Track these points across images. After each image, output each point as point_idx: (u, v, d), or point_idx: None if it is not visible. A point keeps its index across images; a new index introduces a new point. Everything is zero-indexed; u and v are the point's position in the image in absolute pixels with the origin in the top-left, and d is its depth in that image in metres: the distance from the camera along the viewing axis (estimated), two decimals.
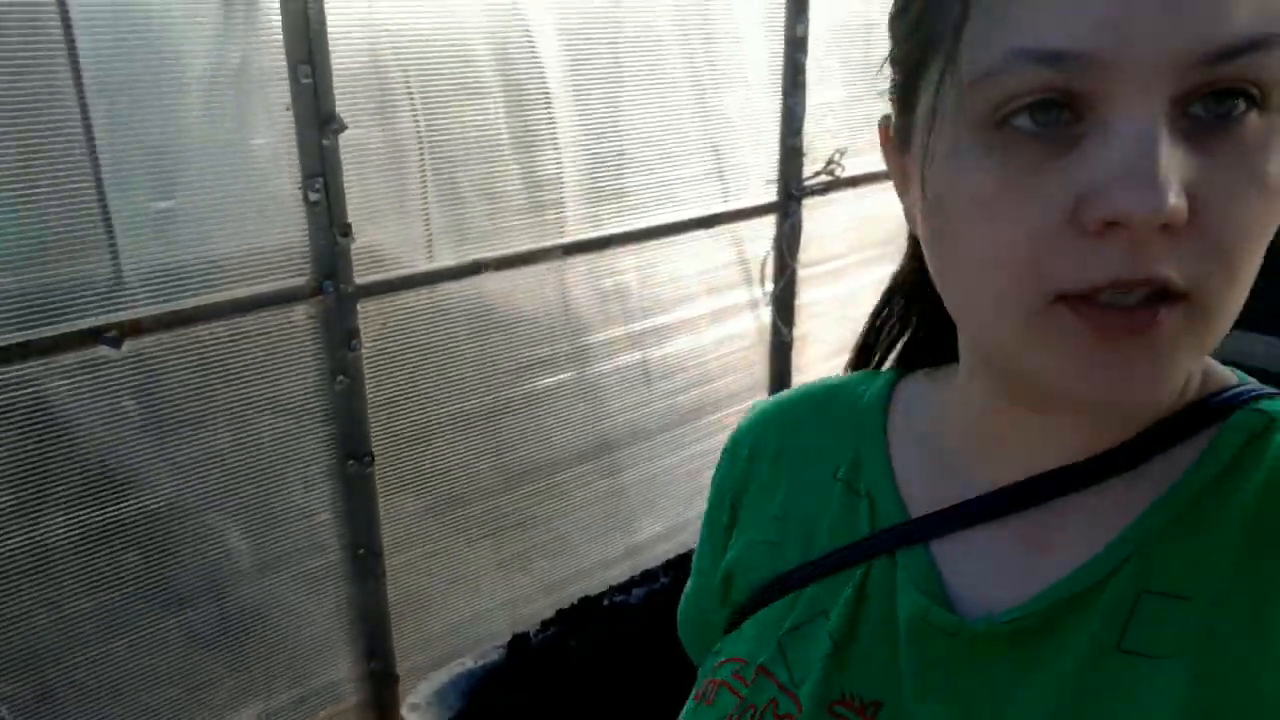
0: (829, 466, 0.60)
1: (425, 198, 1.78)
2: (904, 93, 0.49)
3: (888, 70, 0.52)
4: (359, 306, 1.72)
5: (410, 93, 1.71)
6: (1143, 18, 0.38)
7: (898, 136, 0.52)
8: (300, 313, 1.67)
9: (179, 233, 1.52)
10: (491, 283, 1.90)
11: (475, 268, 1.87)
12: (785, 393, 0.69)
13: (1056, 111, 0.41)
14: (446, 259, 1.83)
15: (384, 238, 1.75)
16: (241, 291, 1.59)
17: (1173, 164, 0.39)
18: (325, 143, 1.60)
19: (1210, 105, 0.39)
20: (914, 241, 0.62)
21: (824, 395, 0.66)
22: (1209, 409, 0.49)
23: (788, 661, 0.55)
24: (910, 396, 0.61)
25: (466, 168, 1.81)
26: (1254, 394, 0.50)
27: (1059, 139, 0.41)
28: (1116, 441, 0.49)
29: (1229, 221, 0.40)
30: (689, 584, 0.71)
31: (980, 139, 0.42)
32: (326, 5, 1.55)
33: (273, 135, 1.56)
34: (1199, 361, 0.46)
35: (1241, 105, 0.40)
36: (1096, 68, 0.39)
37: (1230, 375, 0.52)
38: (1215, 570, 0.46)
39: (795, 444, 0.64)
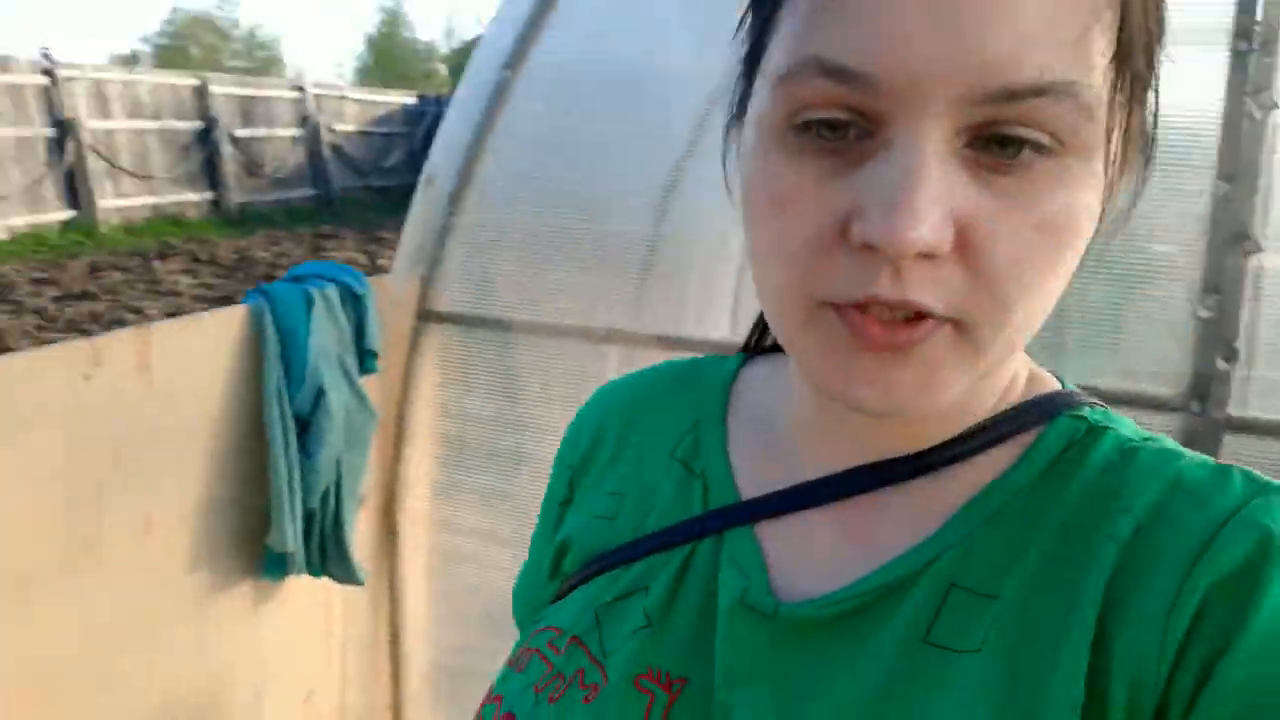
0: (670, 445, 0.61)
1: None
2: (746, 64, 0.49)
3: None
4: (1225, 438, 1.62)
5: None
6: (933, 48, 0.38)
7: (737, 106, 0.51)
8: (1158, 424, 1.65)
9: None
10: None
11: None
12: (636, 372, 0.69)
13: (845, 127, 0.41)
14: None
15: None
16: (1111, 384, 1.67)
17: (941, 195, 0.39)
18: (1231, 262, 1.60)
19: (994, 146, 0.40)
20: None
21: (673, 376, 0.66)
22: (1031, 412, 0.51)
23: (602, 633, 0.55)
24: (752, 380, 0.62)
25: None
26: (1075, 400, 0.52)
27: (849, 152, 0.42)
28: (939, 438, 0.51)
29: (1002, 256, 0.41)
30: (525, 561, 0.71)
31: (777, 142, 0.43)
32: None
33: (1176, 245, 1.64)
34: (969, 381, 0.44)
35: (1025, 151, 0.40)
36: (882, 90, 0.39)
37: (1053, 381, 0.54)
38: (1026, 572, 0.46)
39: (640, 422, 0.64)
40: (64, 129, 11.26)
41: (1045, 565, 0.45)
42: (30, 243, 10.71)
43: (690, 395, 0.63)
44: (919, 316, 0.42)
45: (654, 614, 0.54)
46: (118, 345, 1.42)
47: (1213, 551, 0.42)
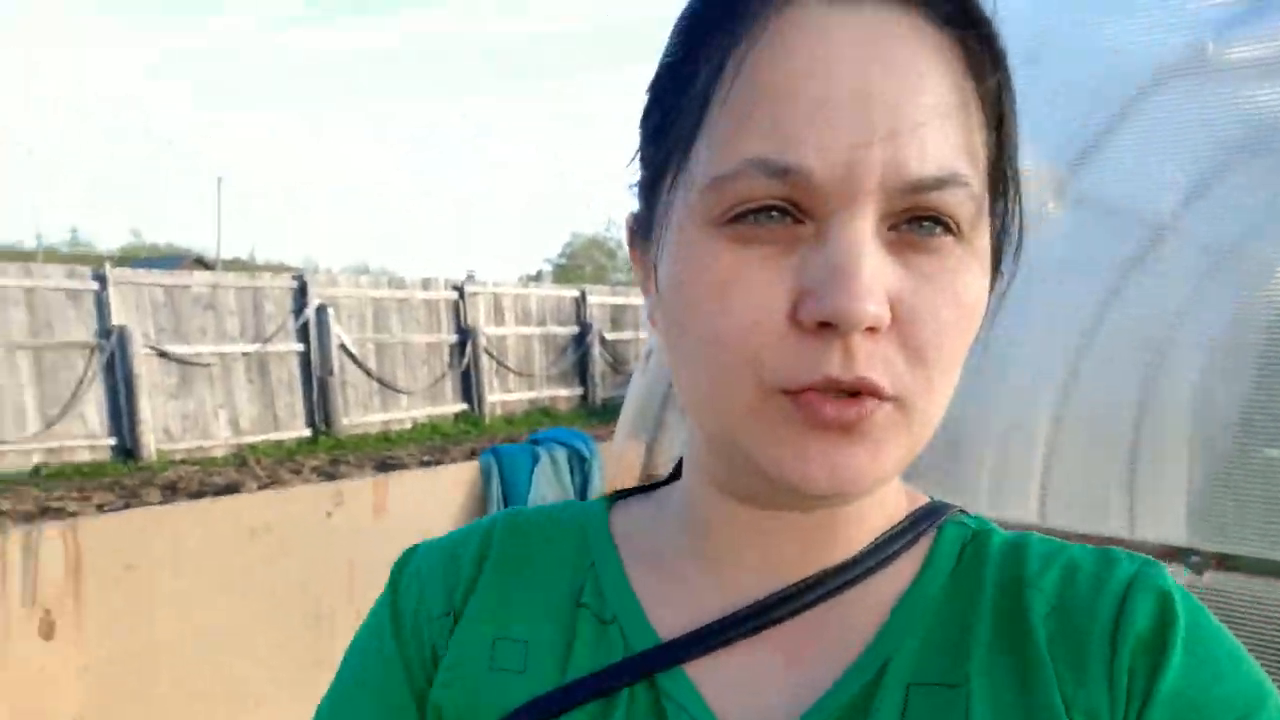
0: (565, 591, 0.58)
1: None
2: (649, 190, 0.52)
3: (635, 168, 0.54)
4: None
5: None
6: (861, 149, 0.43)
7: (641, 232, 0.54)
8: None
9: None
10: None
11: None
12: (464, 529, 0.65)
13: (779, 216, 0.45)
14: None
15: None
16: None
17: (878, 274, 0.44)
18: None
19: (913, 227, 0.45)
20: None
21: (534, 525, 0.63)
22: (922, 522, 0.55)
23: None
24: (631, 518, 0.62)
25: None
26: (949, 508, 0.56)
27: (780, 240, 0.45)
28: (845, 553, 0.53)
29: (927, 329, 0.45)
30: None
31: (710, 235, 0.46)
32: None
33: None
34: (908, 458, 0.48)
35: (938, 230, 0.45)
36: (819, 185, 0.44)
37: (923, 495, 0.58)
38: (974, 659, 0.49)
39: (515, 570, 0.60)
40: (465, 335, 13.12)
41: (992, 652, 0.49)
42: (426, 431, 12.43)
43: (567, 540, 0.61)
44: (860, 395, 0.44)
45: None
46: (359, 489, 1.65)
47: (1125, 619, 0.48)
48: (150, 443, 10.09)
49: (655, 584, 0.57)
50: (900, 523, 0.55)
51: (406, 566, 0.63)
